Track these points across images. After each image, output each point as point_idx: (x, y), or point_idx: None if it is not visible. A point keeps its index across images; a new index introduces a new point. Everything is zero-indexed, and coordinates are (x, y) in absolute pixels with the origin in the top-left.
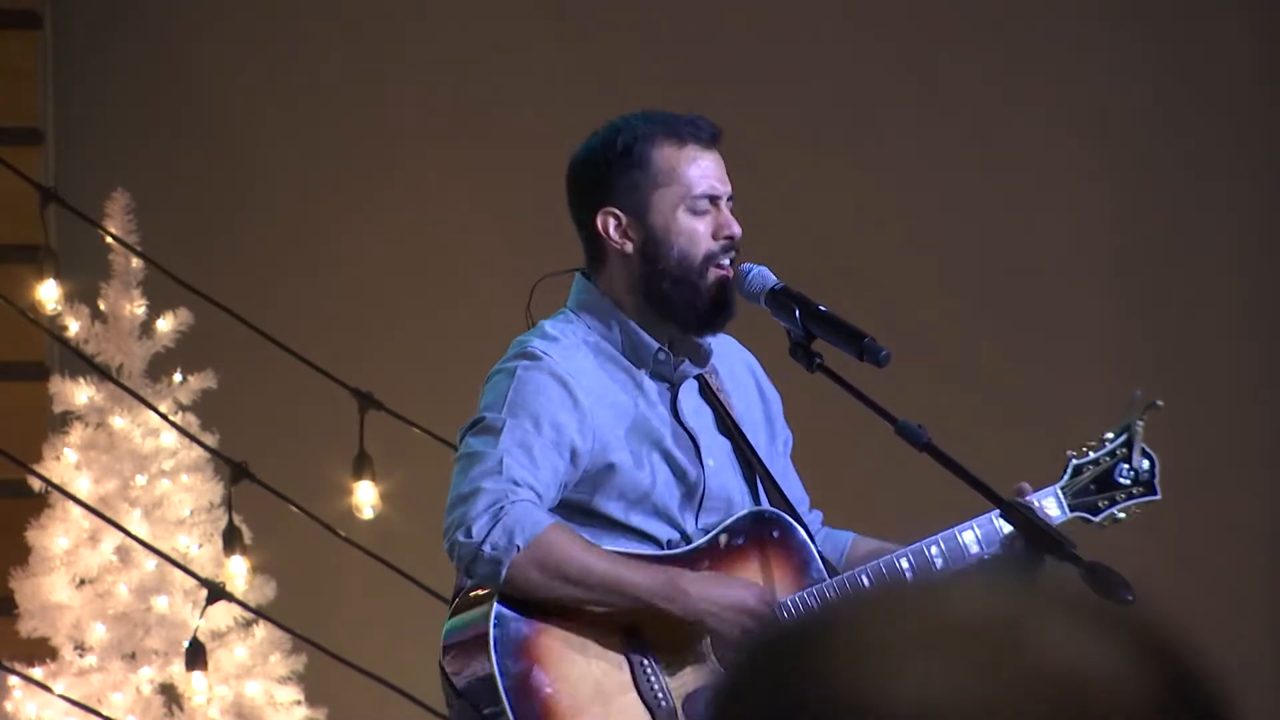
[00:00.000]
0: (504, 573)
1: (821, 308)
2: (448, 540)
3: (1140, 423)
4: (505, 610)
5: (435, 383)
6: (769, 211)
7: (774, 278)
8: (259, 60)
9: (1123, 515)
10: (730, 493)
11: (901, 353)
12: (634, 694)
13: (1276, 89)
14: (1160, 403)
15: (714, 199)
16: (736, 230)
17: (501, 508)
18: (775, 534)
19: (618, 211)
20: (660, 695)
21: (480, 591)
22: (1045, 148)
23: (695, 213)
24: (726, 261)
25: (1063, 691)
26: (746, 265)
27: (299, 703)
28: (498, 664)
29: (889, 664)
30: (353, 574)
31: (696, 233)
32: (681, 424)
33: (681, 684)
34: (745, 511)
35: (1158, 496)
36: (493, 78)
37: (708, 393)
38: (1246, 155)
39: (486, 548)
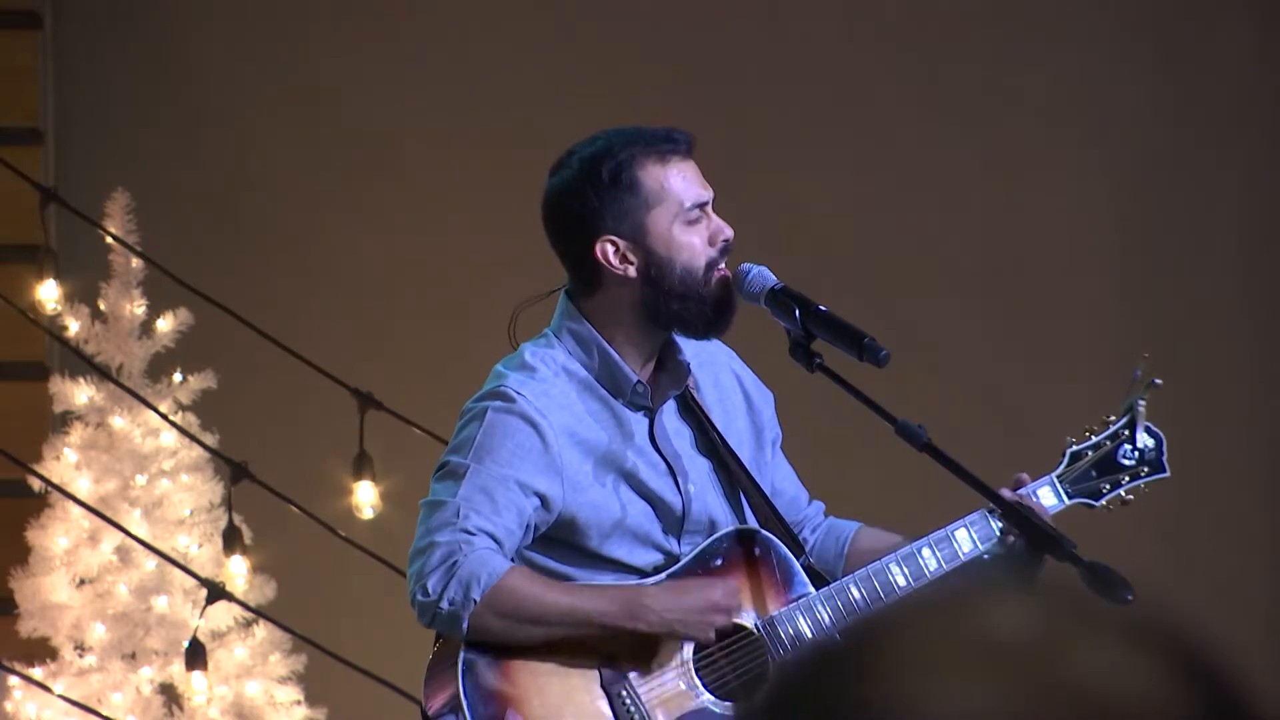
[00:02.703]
0: (464, 625)
1: (821, 308)
2: (409, 596)
3: (1142, 402)
4: (473, 656)
5: (435, 383)
6: (769, 211)
7: (774, 278)
8: (259, 60)
9: (1130, 497)
10: (713, 514)
11: (901, 353)
12: None
13: (1277, 88)
14: (1159, 381)
15: (702, 206)
16: (729, 233)
17: (455, 561)
18: (756, 551)
19: (615, 238)
20: None
21: (451, 639)
22: (1045, 147)
23: (689, 224)
24: (724, 264)
25: (1097, 710)
26: (746, 265)
27: (299, 703)
28: (470, 711)
29: (927, 684)
30: (353, 574)
31: (694, 245)
32: (659, 452)
33: (665, 709)
34: (722, 533)
35: (1166, 474)
36: (493, 77)
37: (688, 409)
38: (1246, 154)
39: (444, 604)
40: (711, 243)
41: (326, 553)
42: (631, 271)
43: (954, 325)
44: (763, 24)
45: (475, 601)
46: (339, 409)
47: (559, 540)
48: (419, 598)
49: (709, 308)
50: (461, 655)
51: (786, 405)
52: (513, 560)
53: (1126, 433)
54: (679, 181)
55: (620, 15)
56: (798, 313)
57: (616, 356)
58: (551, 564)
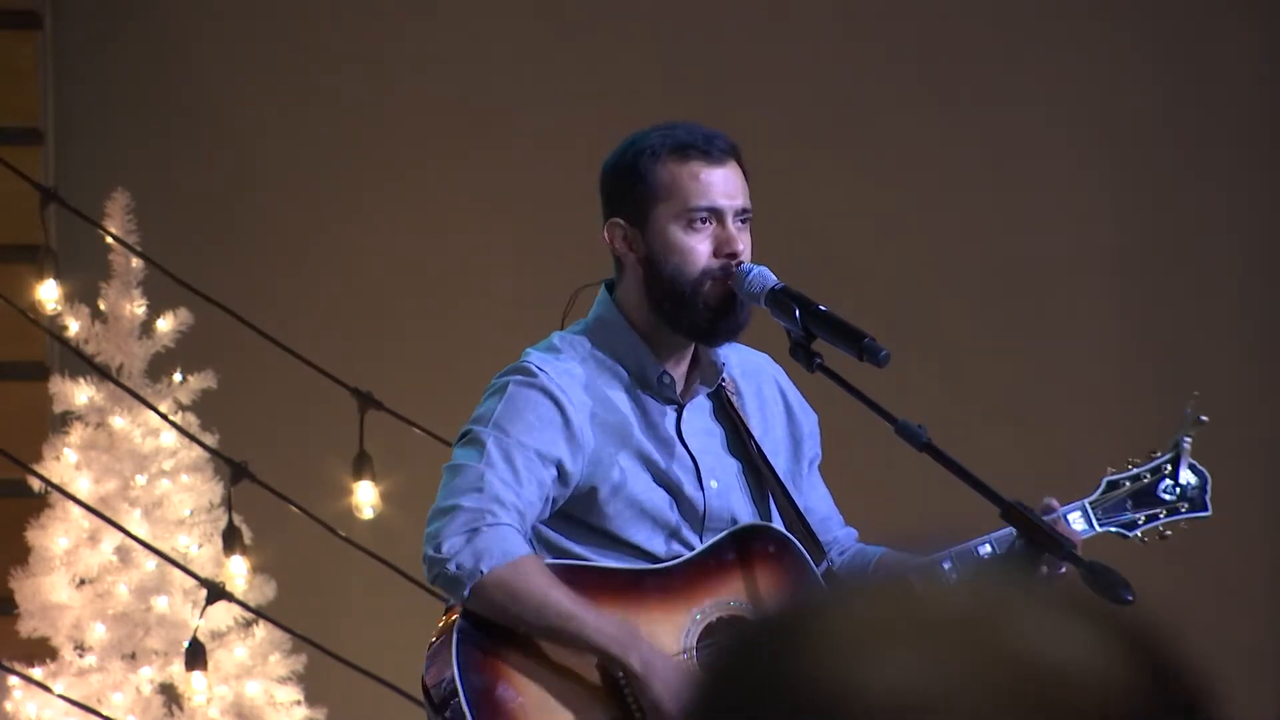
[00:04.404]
0: (466, 593)
1: (821, 308)
2: (424, 549)
3: (1188, 439)
4: (469, 624)
5: (435, 383)
6: (768, 211)
7: (774, 278)
8: (259, 60)
9: (1169, 532)
10: (735, 513)
11: (901, 352)
12: (608, 704)
13: (1277, 89)
14: (1205, 418)
15: (716, 214)
16: (738, 248)
17: (477, 529)
18: (770, 549)
19: (622, 223)
20: (635, 707)
21: (455, 609)
22: (1045, 148)
23: (692, 227)
24: (730, 276)
25: (1040, 681)
26: (746, 265)
27: (299, 703)
28: (460, 678)
29: (868, 654)
30: (353, 574)
31: (693, 250)
32: (684, 444)
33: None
34: (737, 527)
35: (1208, 513)
36: (494, 77)
37: (723, 411)
38: (1247, 155)
39: (452, 566)
40: (716, 253)
41: (326, 553)
42: (633, 258)
43: (954, 325)
44: (763, 23)
45: (482, 573)
46: (339, 409)
47: (576, 518)
48: (430, 553)
49: (701, 317)
50: (458, 624)
51: None
52: (530, 535)
53: (1169, 468)
54: (692, 183)
55: (620, 16)
56: (798, 313)
57: (644, 347)
58: (567, 543)
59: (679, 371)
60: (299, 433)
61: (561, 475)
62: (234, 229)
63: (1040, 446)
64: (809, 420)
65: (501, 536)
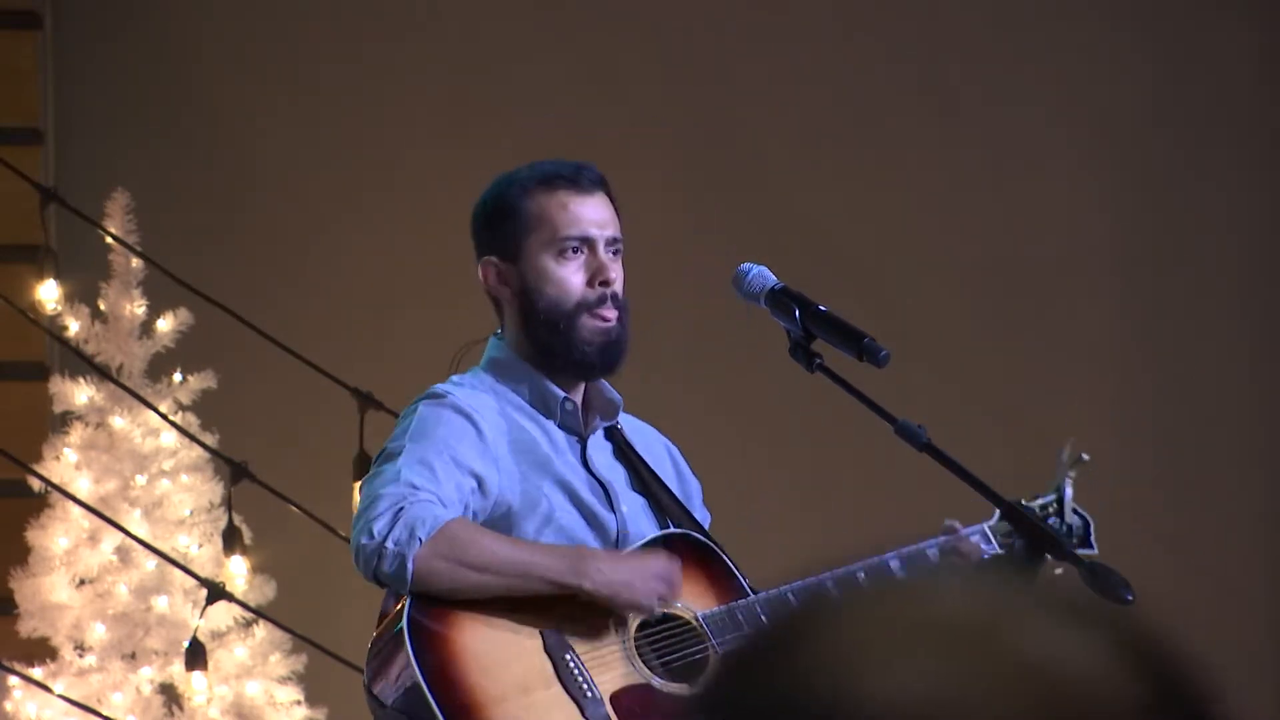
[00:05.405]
0: (410, 566)
1: (821, 308)
2: (353, 548)
3: (1069, 482)
4: (419, 608)
5: (435, 383)
6: (769, 211)
7: (774, 278)
8: (259, 61)
9: (1059, 570)
10: (646, 537)
11: (901, 353)
12: (558, 686)
13: (1276, 89)
14: (1087, 456)
15: (588, 243)
16: (612, 276)
17: (401, 508)
18: (693, 553)
19: (495, 260)
20: (586, 688)
21: (393, 608)
22: (1045, 148)
23: (564, 257)
24: (606, 310)
25: (1045, 689)
26: (746, 265)
27: (299, 703)
28: (415, 659)
29: (871, 662)
30: (353, 574)
31: (566, 280)
32: (593, 474)
33: (609, 679)
34: (664, 532)
35: (1094, 551)
36: (493, 78)
37: (621, 454)
38: (1246, 156)
39: (389, 544)
40: (590, 282)
41: (326, 553)
42: (507, 294)
43: (954, 326)
44: (763, 23)
45: (420, 541)
46: (339, 409)
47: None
48: (363, 541)
49: (577, 351)
50: (408, 604)
51: (785, 409)
52: None
53: (1055, 507)
54: (562, 213)
55: (620, 16)
56: (798, 313)
57: (542, 375)
58: None
59: (578, 401)
60: (299, 433)
61: (481, 486)
62: (234, 229)
63: (1040, 447)
64: (696, 488)
65: (426, 507)
